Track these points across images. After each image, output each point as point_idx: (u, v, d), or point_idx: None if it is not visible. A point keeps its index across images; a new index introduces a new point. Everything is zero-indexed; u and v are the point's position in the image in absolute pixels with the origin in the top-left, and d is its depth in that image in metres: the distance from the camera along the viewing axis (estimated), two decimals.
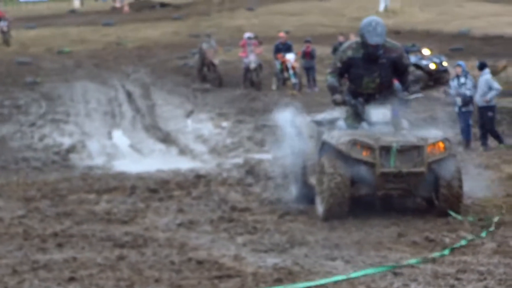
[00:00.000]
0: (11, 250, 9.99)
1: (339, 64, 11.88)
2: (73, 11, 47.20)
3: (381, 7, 43.20)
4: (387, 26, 12.09)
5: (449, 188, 11.35)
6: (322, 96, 24.48)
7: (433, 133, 11.70)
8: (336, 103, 11.90)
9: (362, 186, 11.44)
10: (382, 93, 11.85)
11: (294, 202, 12.50)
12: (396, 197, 11.63)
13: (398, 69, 11.91)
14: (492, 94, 18.55)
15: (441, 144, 11.42)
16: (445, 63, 27.37)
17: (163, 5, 47.98)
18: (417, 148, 11.28)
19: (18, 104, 24.61)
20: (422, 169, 11.28)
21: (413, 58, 26.39)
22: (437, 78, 26.55)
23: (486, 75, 18.74)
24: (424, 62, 27.03)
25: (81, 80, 28.07)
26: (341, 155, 11.34)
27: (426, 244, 10.12)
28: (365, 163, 11.30)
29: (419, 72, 25.78)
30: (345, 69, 11.87)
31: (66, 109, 24.41)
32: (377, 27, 11.56)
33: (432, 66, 27.03)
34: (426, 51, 28.23)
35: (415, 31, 37.28)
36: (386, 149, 11.23)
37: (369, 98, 11.82)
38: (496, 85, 18.68)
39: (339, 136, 11.47)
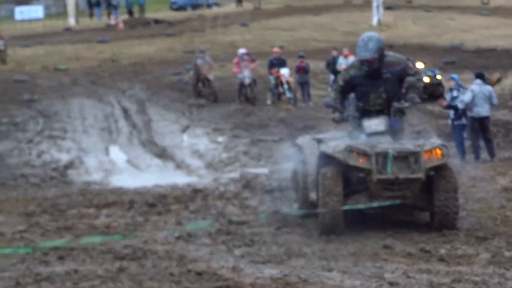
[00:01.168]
0: (14, 263, 10.08)
1: (341, 83, 11.90)
2: (68, 29, 47.14)
3: (374, 21, 43.30)
4: None
5: (446, 202, 11.25)
6: (316, 111, 24.64)
7: (431, 141, 11.71)
8: (336, 121, 11.94)
9: (360, 197, 11.39)
10: (390, 108, 11.73)
11: (295, 217, 12.48)
12: (394, 207, 11.36)
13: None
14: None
15: (438, 151, 11.30)
16: (439, 76, 27.52)
17: (157, 21, 48.07)
18: (414, 154, 11.17)
19: (16, 122, 24.60)
20: (420, 175, 11.15)
21: None
22: (431, 92, 26.69)
23: (473, 85, 18.54)
24: None
25: (78, 97, 28.10)
26: (338, 166, 11.32)
27: (421, 255, 10.24)
28: (362, 170, 11.24)
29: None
30: (349, 88, 11.86)
31: (63, 125, 24.45)
32: (369, 43, 11.52)
33: (426, 80, 27.20)
34: (420, 65, 28.36)
35: (409, 44, 37.42)
36: (382, 156, 11.14)
37: (378, 115, 11.70)
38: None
39: (335, 145, 11.47)
